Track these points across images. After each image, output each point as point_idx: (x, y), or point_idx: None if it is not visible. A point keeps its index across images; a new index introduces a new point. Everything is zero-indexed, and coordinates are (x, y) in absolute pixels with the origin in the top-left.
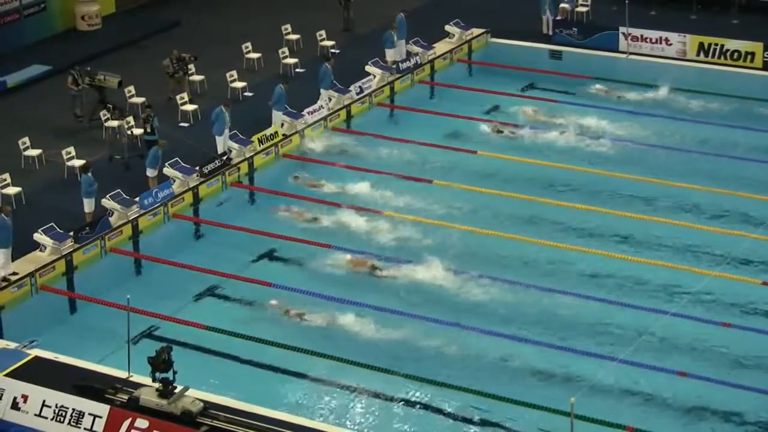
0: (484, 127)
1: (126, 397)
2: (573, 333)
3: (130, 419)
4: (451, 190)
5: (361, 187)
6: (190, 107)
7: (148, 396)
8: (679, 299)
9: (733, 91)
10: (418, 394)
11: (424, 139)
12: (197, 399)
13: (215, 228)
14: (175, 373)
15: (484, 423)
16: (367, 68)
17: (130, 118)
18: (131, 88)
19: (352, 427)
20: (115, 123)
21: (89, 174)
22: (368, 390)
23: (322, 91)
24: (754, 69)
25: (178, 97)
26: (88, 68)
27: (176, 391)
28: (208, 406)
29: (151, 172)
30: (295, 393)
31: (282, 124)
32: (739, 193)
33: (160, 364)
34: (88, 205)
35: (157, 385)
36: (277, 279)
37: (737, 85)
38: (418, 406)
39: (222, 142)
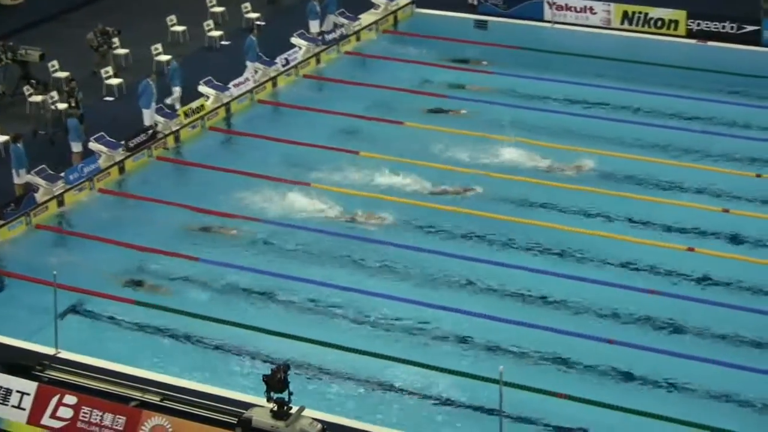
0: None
1: (53, 374)
2: (496, 300)
3: (58, 395)
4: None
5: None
6: (114, 81)
7: (262, 417)
8: (607, 266)
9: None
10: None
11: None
12: (315, 420)
13: (142, 202)
14: (291, 394)
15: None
16: (293, 40)
17: (54, 93)
18: (55, 62)
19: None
20: (38, 98)
21: (19, 145)
22: None
23: (248, 63)
24: (676, 37)
25: (102, 71)
26: (11, 43)
27: (292, 412)
28: (325, 427)
29: (75, 146)
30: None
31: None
32: None
33: (276, 383)
34: (19, 177)
35: (271, 405)
36: (204, 252)
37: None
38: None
39: (149, 115)
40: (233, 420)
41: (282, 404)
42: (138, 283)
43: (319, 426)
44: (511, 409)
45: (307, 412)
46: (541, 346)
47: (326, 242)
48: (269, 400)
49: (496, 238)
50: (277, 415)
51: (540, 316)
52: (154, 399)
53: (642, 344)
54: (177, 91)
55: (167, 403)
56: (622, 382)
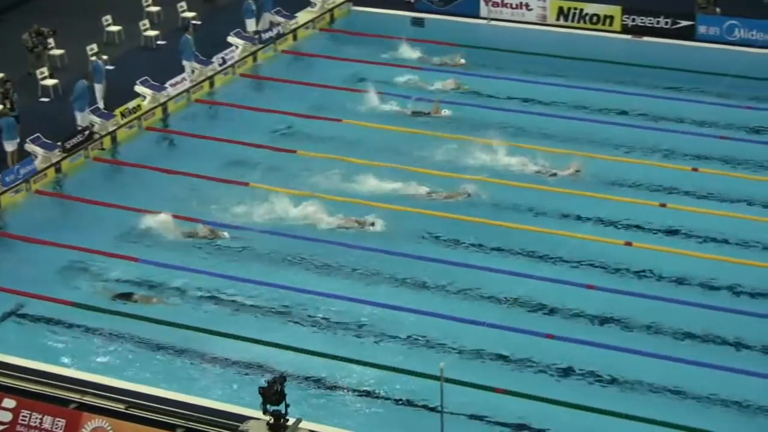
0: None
1: None
2: (434, 296)
3: None
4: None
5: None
6: (50, 82)
7: (258, 430)
8: (544, 261)
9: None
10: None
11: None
12: None
13: (79, 203)
14: (287, 406)
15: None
16: (230, 39)
17: None
18: None
19: None
20: None
21: None
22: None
23: (184, 62)
24: (612, 32)
25: (38, 71)
26: None
27: (289, 424)
28: None
29: (9, 146)
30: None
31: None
32: None
33: (273, 395)
34: None
35: (267, 418)
36: (143, 254)
37: None
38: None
39: (82, 117)
40: (174, 421)
41: (279, 417)
42: (128, 296)
43: None
44: (451, 405)
45: (304, 424)
46: (481, 342)
47: (266, 241)
48: (265, 412)
49: (430, 234)
50: (273, 427)
51: (479, 312)
52: (119, 407)
53: (580, 338)
54: (99, 89)
55: (133, 411)
56: (560, 376)
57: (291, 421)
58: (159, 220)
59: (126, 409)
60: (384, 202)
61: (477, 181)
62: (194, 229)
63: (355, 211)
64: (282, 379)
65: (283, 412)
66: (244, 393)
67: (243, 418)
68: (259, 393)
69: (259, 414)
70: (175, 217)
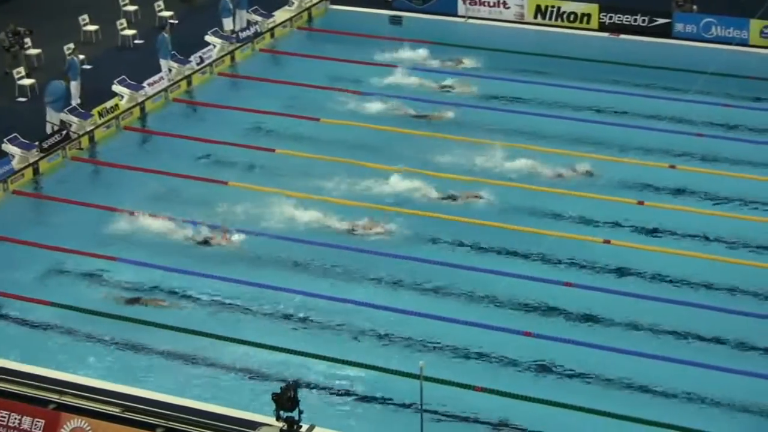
0: None
1: None
2: (412, 294)
3: None
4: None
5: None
6: (27, 81)
7: None
8: (523, 259)
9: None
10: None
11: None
12: None
13: (58, 203)
14: (301, 412)
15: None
16: (207, 38)
17: None
18: None
19: None
20: None
21: None
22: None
23: (161, 61)
24: (589, 30)
25: (14, 71)
26: None
27: (303, 431)
28: None
29: None
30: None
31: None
32: None
33: (286, 402)
34: None
35: (280, 424)
36: (122, 253)
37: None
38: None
39: (56, 116)
40: (155, 421)
41: (292, 423)
42: (136, 300)
43: None
44: (431, 403)
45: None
46: (460, 340)
47: (247, 241)
48: (279, 418)
49: (406, 233)
50: None
51: (457, 310)
52: (99, 407)
53: (558, 336)
54: (74, 86)
55: (112, 411)
56: (539, 373)
57: (304, 427)
58: (139, 220)
59: (122, 412)
60: (366, 201)
61: (455, 180)
62: (199, 232)
63: (333, 210)
64: (295, 385)
65: (297, 418)
66: (228, 393)
67: (255, 425)
68: (272, 399)
69: (272, 420)
70: (154, 216)
